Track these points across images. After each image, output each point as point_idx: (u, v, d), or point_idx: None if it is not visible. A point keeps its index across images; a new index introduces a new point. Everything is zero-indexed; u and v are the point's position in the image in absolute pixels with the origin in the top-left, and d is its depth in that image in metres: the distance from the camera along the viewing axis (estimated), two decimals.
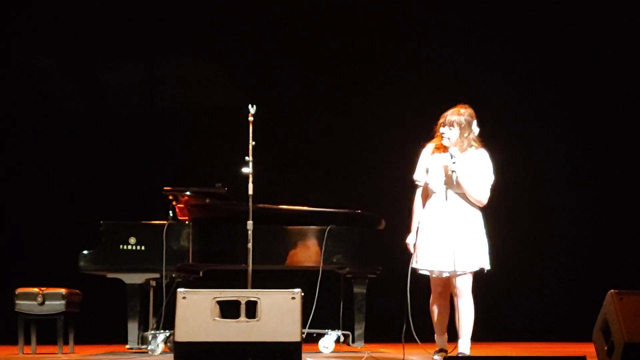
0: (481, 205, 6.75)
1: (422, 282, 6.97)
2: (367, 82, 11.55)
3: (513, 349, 9.24)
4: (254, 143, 7.76)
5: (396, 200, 9.80)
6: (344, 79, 11.51)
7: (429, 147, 6.84)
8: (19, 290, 8.32)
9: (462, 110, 6.73)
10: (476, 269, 6.71)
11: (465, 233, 6.64)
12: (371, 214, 8.89)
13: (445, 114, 6.74)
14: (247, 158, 7.76)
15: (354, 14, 11.53)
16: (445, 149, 6.72)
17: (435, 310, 6.83)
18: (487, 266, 6.72)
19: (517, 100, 11.44)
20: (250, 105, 7.76)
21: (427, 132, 7.02)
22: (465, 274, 6.66)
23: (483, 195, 6.70)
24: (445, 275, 6.69)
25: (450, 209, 6.64)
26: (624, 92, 11.57)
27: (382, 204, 9.96)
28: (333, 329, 8.69)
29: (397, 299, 10.81)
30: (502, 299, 10.92)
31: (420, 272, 6.77)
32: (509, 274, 10.84)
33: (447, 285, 6.76)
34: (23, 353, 8.26)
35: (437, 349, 6.88)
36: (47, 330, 8.41)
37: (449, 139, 6.70)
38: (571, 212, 11.51)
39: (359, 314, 8.71)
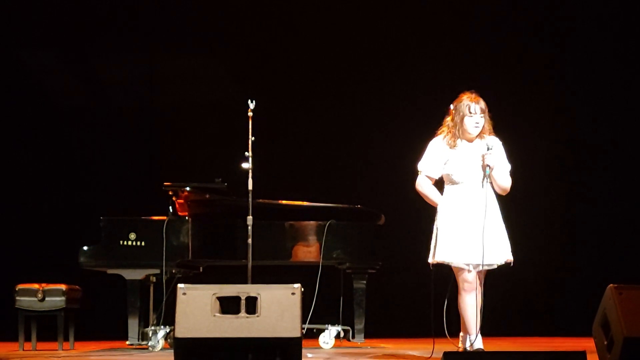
0: (506, 194, 6.60)
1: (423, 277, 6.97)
2: (366, 76, 11.54)
3: (512, 343, 9.24)
4: (253, 138, 7.76)
5: (396, 195, 9.82)
6: (344, 74, 11.50)
7: (440, 138, 6.61)
8: (19, 286, 8.33)
9: (479, 99, 6.54)
10: (502, 262, 6.54)
11: (494, 225, 6.49)
12: (371, 209, 8.89)
13: (463, 102, 6.52)
14: (246, 153, 7.77)
15: (352, 10, 11.53)
16: (467, 139, 6.54)
17: (471, 303, 6.49)
18: (511, 258, 6.54)
19: (514, 99, 11.43)
20: (249, 101, 7.77)
21: (426, 126, 6.98)
22: (491, 267, 6.50)
23: (509, 182, 6.59)
24: (485, 267, 6.46)
25: (482, 197, 6.44)
26: (623, 88, 11.58)
27: (381, 199, 9.97)
28: (333, 324, 8.70)
29: (398, 294, 10.87)
30: (502, 294, 10.91)
31: (454, 265, 6.46)
32: (508, 269, 10.84)
33: (478, 277, 6.50)
34: (23, 349, 8.27)
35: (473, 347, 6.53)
36: (47, 327, 8.42)
37: (479, 127, 6.53)
38: (570, 207, 11.50)
39: (359, 309, 8.71)
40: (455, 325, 6.69)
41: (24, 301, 8.29)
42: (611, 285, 5.74)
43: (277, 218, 8.62)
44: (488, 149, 6.43)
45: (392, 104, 11.40)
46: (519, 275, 11.07)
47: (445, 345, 6.59)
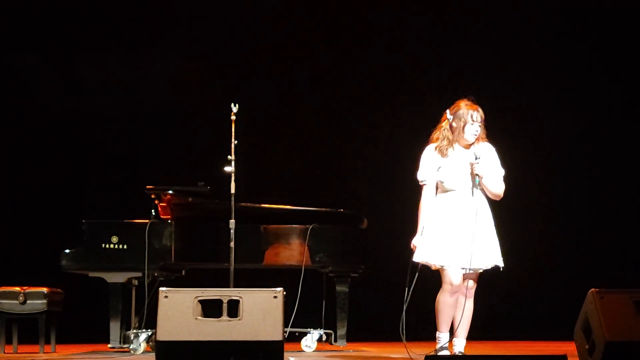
0: (498, 199, 6.63)
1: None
2: (350, 81, 11.55)
3: (494, 347, 9.26)
4: (236, 142, 7.76)
5: (378, 199, 9.84)
6: (328, 78, 11.51)
7: (432, 147, 6.60)
8: (1, 289, 8.30)
9: (478, 107, 6.57)
10: (491, 266, 6.60)
11: (485, 229, 6.53)
12: (353, 213, 8.90)
13: (464, 109, 6.53)
14: (229, 157, 7.77)
15: (338, 13, 11.54)
16: (463, 145, 6.57)
17: (450, 304, 6.54)
18: (502, 264, 6.62)
19: (506, 102, 11.47)
20: (232, 104, 7.76)
21: (412, 132, 7.01)
22: (479, 270, 6.55)
23: (502, 188, 6.62)
24: (470, 271, 6.50)
25: (473, 205, 6.49)
26: (617, 90, 11.62)
27: (364, 202, 9.98)
28: (315, 328, 8.70)
29: (380, 298, 10.87)
30: (483, 298, 10.92)
31: (438, 266, 6.49)
32: (489, 274, 10.85)
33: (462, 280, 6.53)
34: (4, 352, 8.23)
35: (440, 347, 6.59)
36: (28, 330, 8.40)
37: (477, 134, 6.55)
38: (551, 212, 11.55)
39: (341, 312, 8.72)
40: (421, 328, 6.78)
41: (5, 304, 8.25)
42: (592, 289, 5.75)
43: (259, 222, 8.62)
44: (476, 158, 6.46)
45: (375, 108, 11.41)
46: (501, 279, 11.11)
47: (424, 349, 6.63)
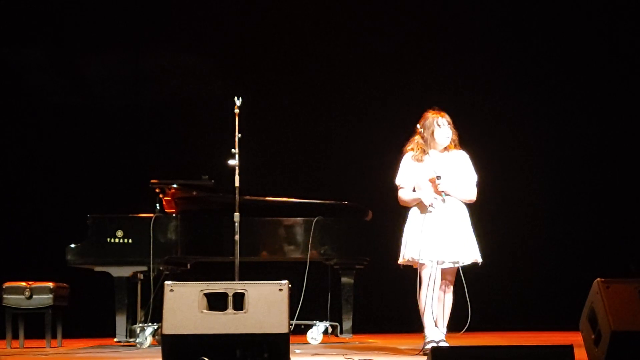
0: (472, 203, 7.00)
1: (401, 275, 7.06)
2: (354, 73, 11.55)
3: (500, 338, 9.26)
4: (240, 135, 7.76)
5: (383, 190, 9.82)
6: (330, 70, 11.51)
7: (410, 155, 7.02)
8: (7, 284, 8.32)
9: (443, 113, 7.00)
10: (470, 262, 6.90)
11: (459, 227, 6.86)
12: (358, 205, 8.90)
13: (430, 118, 6.96)
14: (233, 150, 7.76)
15: (339, 8, 11.53)
16: (425, 154, 6.96)
17: (430, 297, 6.80)
18: (480, 259, 6.91)
19: (501, 96, 11.48)
20: (236, 98, 7.76)
21: (412, 123, 7.06)
22: (457, 264, 6.86)
23: (473, 194, 6.99)
24: (447, 266, 6.85)
25: (449, 208, 6.88)
26: (601, 87, 11.62)
27: (368, 194, 9.97)
28: (321, 320, 8.71)
29: (385, 290, 10.87)
30: (489, 289, 10.95)
31: (420, 262, 6.82)
32: (496, 264, 10.85)
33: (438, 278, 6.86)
34: (11, 347, 8.25)
35: (429, 340, 6.82)
36: (35, 324, 8.42)
37: (450, 137, 6.98)
38: (557, 202, 11.54)
39: (346, 304, 8.72)
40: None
41: (11, 299, 8.28)
42: (598, 279, 5.75)
43: (264, 215, 8.62)
44: (438, 178, 6.85)
45: (379, 100, 11.41)
46: (507, 270, 11.17)
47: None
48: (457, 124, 7.09)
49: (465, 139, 7.29)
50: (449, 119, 6.98)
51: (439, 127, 6.94)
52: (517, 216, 11.34)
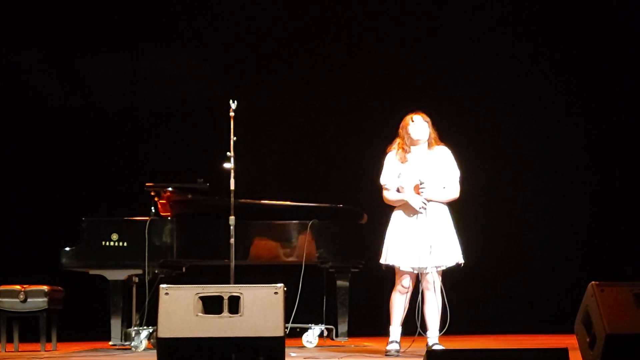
0: (455, 200, 7.15)
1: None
2: (348, 77, 11.54)
3: (495, 341, 9.26)
4: (235, 138, 7.76)
5: (378, 194, 9.79)
6: (325, 74, 11.50)
7: (393, 153, 7.20)
8: (1, 287, 8.30)
9: (419, 112, 7.21)
10: (453, 264, 7.03)
11: (440, 229, 7.00)
12: (353, 208, 8.90)
13: (406, 119, 7.19)
14: (228, 153, 7.76)
15: (334, 11, 11.53)
16: (405, 155, 7.15)
17: (402, 302, 7.07)
18: (462, 260, 7.04)
19: (495, 96, 11.48)
20: (231, 101, 7.76)
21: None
22: (440, 268, 7.02)
23: (456, 192, 7.15)
24: (424, 270, 6.97)
25: (431, 210, 7.02)
26: (594, 89, 11.62)
27: (364, 198, 9.96)
28: (316, 323, 8.71)
29: (381, 293, 10.86)
30: (484, 292, 10.96)
31: (397, 266, 7.03)
32: (490, 267, 10.88)
33: (414, 281, 7.06)
34: (5, 351, 8.23)
35: (392, 340, 7.10)
36: (29, 328, 8.39)
37: (424, 130, 7.14)
38: (552, 205, 11.55)
39: (342, 308, 8.72)
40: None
41: (5, 302, 8.26)
42: (593, 282, 5.75)
43: (259, 218, 8.62)
44: (421, 184, 6.99)
45: (375, 103, 11.40)
46: (502, 273, 11.17)
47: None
48: (453, 125, 7.13)
49: (462, 140, 7.32)
50: (426, 118, 7.17)
51: (413, 122, 7.14)
52: (512, 219, 11.34)
